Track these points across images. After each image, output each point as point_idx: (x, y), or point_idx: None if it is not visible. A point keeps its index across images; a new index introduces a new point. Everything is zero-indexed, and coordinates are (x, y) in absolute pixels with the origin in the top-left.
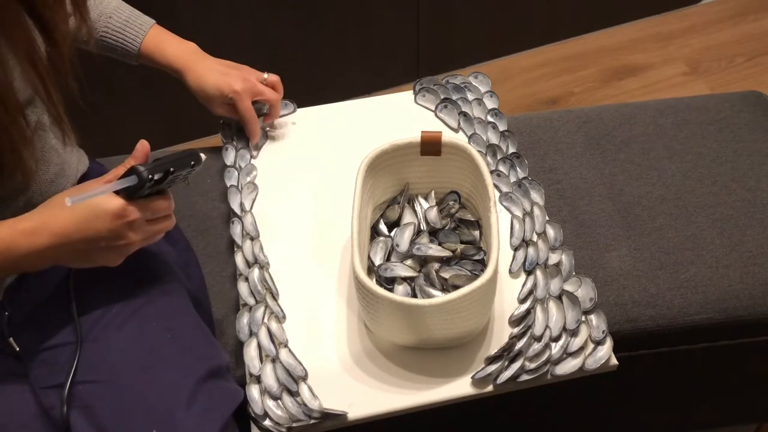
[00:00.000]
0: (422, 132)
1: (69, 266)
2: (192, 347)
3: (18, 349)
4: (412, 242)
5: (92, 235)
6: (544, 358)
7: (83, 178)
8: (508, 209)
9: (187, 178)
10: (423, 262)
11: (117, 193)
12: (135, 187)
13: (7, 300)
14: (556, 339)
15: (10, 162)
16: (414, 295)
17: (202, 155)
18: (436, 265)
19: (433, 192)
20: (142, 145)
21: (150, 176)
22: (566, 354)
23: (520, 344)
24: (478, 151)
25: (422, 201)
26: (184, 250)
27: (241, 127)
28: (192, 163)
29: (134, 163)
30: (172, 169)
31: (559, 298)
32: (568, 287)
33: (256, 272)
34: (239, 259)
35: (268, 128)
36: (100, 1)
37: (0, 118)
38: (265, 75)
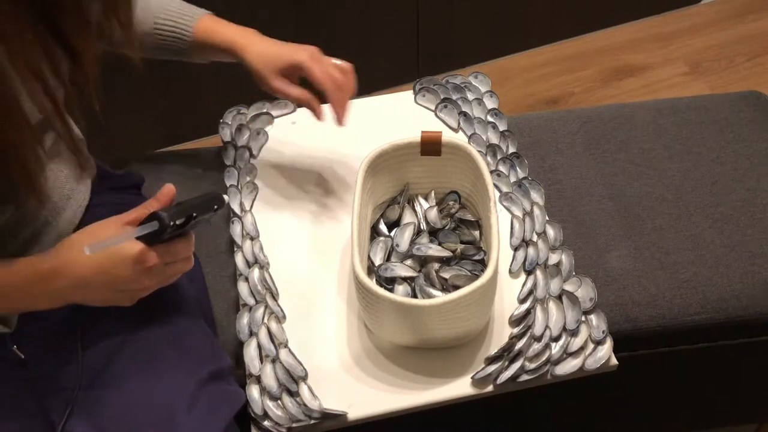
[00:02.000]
0: (422, 132)
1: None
2: (193, 350)
3: (23, 357)
4: (413, 242)
5: (110, 280)
6: (544, 358)
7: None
8: (508, 209)
9: (209, 219)
10: (423, 262)
11: (137, 237)
12: (156, 232)
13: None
14: (556, 339)
15: (24, 187)
16: (414, 295)
17: (226, 197)
18: (436, 265)
19: (433, 192)
20: (168, 189)
21: (172, 222)
22: (566, 354)
23: (520, 344)
24: (478, 151)
25: (422, 201)
26: None
27: (240, 126)
28: (215, 206)
29: (157, 205)
30: (194, 213)
31: (559, 298)
32: (568, 287)
33: (256, 272)
34: (239, 259)
35: (268, 128)
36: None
37: (12, 140)
38: (338, 61)
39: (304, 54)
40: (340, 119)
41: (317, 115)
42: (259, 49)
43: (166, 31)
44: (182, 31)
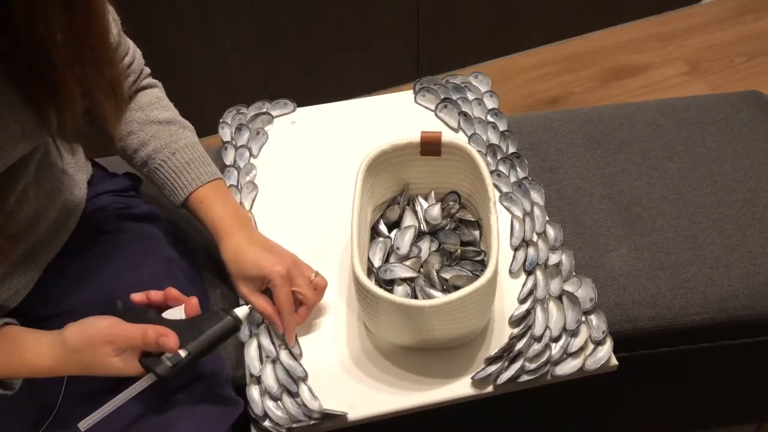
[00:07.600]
0: (422, 132)
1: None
2: None
3: None
4: (413, 245)
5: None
6: (544, 358)
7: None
8: (508, 209)
9: None
10: (423, 262)
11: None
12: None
13: (12, 314)
14: (556, 339)
15: None
16: (414, 296)
17: (240, 314)
18: (437, 266)
19: (433, 192)
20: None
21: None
22: (566, 354)
23: (520, 345)
24: (478, 151)
25: (422, 201)
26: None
27: (240, 126)
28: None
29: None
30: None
31: (559, 298)
32: (568, 287)
33: None
34: None
35: (268, 128)
36: (175, 132)
37: None
38: (314, 275)
39: (278, 271)
40: (288, 340)
41: (278, 329)
42: (236, 246)
43: (164, 174)
44: (180, 188)
